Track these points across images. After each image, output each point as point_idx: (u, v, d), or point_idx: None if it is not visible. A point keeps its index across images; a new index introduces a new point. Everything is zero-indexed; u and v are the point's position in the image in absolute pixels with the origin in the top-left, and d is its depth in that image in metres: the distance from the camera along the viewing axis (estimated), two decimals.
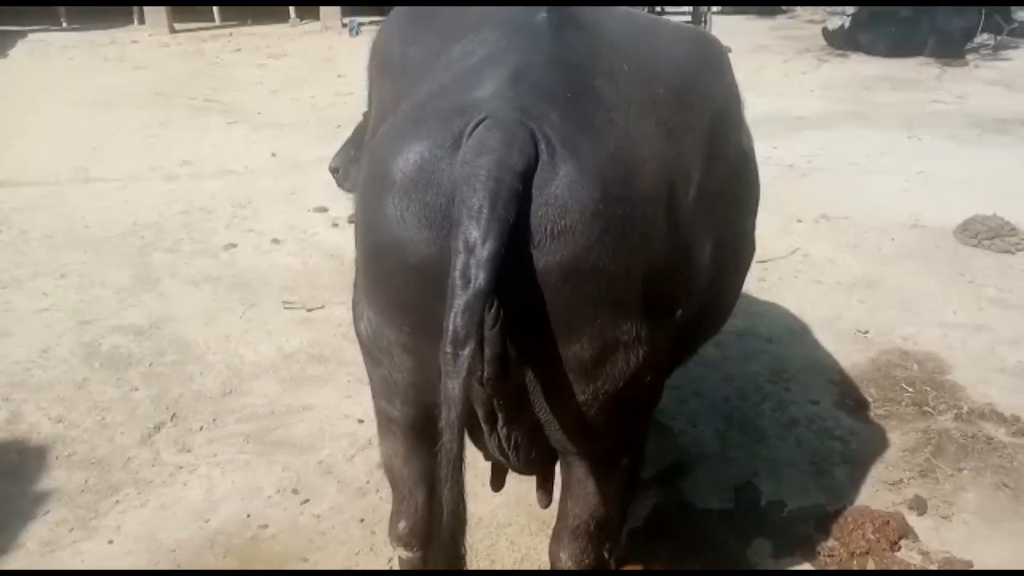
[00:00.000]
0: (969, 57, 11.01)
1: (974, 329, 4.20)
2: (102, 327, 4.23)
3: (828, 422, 3.48)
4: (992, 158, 6.86)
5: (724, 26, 13.21)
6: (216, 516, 2.97)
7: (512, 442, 1.82)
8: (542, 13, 1.68)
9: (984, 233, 5.11)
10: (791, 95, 9.27)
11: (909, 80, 9.97)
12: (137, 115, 8.36)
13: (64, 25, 12.93)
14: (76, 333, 4.17)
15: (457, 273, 1.41)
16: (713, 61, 1.92)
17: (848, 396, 3.65)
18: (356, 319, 1.85)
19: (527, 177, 1.45)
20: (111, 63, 10.90)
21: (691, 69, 1.80)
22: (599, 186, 1.48)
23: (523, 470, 2.13)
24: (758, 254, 4.88)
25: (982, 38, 11.40)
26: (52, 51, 11.55)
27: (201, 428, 3.46)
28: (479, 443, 1.95)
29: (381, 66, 2.03)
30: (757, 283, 4.69)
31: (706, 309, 1.93)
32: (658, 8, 12.92)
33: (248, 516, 2.97)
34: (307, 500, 3.04)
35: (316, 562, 2.76)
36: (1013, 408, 3.52)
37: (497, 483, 2.54)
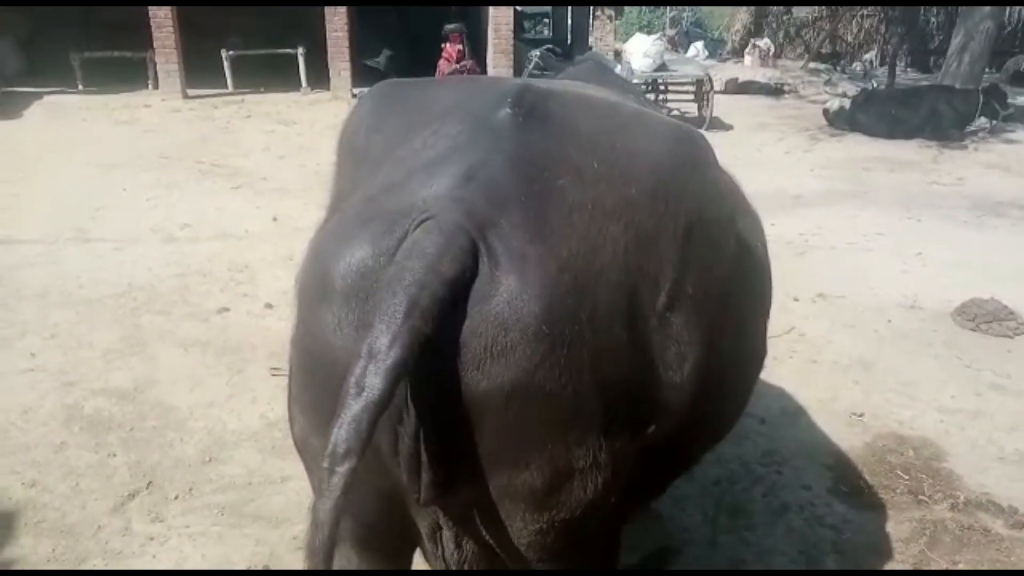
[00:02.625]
0: (967, 140, 11.14)
1: (972, 415, 4.12)
2: (86, 389, 4.17)
3: (820, 509, 3.38)
4: (990, 241, 6.87)
5: (726, 105, 13.47)
6: None
7: (464, 562, 1.71)
8: (505, 108, 1.61)
9: (982, 317, 5.07)
10: (790, 173, 9.35)
11: (908, 161, 10.06)
12: (142, 177, 8.45)
13: (80, 88, 13.16)
14: (59, 394, 4.11)
15: (352, 379, 1.31)
16: (696, 159, 1.77)
17: (842, 482, 3.55)
18: (290, 420, 1.75)
19: (458, 287, 1.37)
20: (122, 126, 11.08)
21: (669, 168, 1.67)
22: (543, 302, 1.39)
23: None
24: None
25: (979, 122, 11.57)
26: (66, 112, 11.75)
27: (176, 497, 3.37)
28: (427, 558, 1.84)
29: (345, 151, 1.96)
30: None
31: (699, 420, 1.77)
32: (662, 87, 13.14)
33: None
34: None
35: None
36: (1011, 499, 3.42)
37: None
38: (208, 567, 2.98)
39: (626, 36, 17.87)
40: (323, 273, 1.51)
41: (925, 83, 14.41)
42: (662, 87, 13.31)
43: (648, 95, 12.67)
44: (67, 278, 5.70)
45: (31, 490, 3.38)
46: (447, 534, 1.67)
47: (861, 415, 4.10)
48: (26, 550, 3.05)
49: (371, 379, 1.29)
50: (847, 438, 3.90)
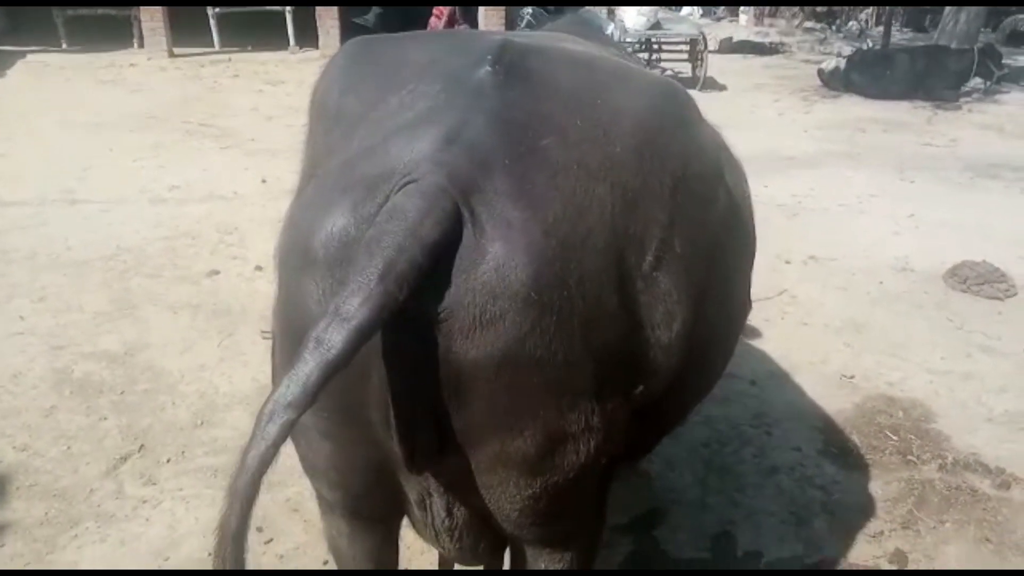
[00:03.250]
0: (961, 101, 11.06)
1: (961, 376, 4.14)
2: (75, 353, 4.15)
3: (810, 470, 3.41)
4: (983, 203, 6.85)
5: (720, 65, 13.32)
6: (176, 554, 2.88)
7: (454, 529, 1.71)
8: (485, 66, 1.55)
9: (973, 279, 5.07)
10: (784, 134, 9.28)
11: (902, 122, 10.00)
12: (129, 138, 8.34)
13: (64, 46, 12.91)
14: (49, 358, 4.09)
15: (312, 334, 1.27)
16: (681, 114, 1.74)
17: (831, 443, 3.58)
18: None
19: (439, 252, 1.34)
20: (108, 85, 10.90)
21: (654, 124, 1.64)
22: (531, 269, 1.36)
23: (466, 561, 2.00)
24: None
25: (974, 82, 11.48)
26: (49, 72, 11.55)
27: (168, 460, 3.38)
28: (416, 527, 1.83)
29: (317, 113, 1.90)
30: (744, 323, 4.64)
31: (687, 377, 1.77)
32: (655, 46, 12.99)
33: (209, 555, 2.86)
34: (271, 539, 2.96)
35: None
36: (998, 459, 3.46)
37: (446, 563, 2.40)
38: (201, 530, 2.99)
39: None
40: (304, 243, 1.48)
41: (920, 43, 14.28)
42: (656, 46, 13.15)
43: (642, 54, 12.53)
44: (55, 240, 5.64)
45: (22, 454, 3.37)
46: (437, 501, 1.66)
47: (851, 377, 4.12)
48: (19, 514, 3.06)
49: (332, 336, 1.26)
50: (837, 400, 3.92)
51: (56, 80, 11.10)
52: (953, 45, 12.33)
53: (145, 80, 11.22)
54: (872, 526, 3.08)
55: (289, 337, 1.55)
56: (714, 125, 2.02)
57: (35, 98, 10.01)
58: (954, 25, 13.11)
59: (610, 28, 11.86)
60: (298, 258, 1.49)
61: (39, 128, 8.60)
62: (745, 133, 9.39)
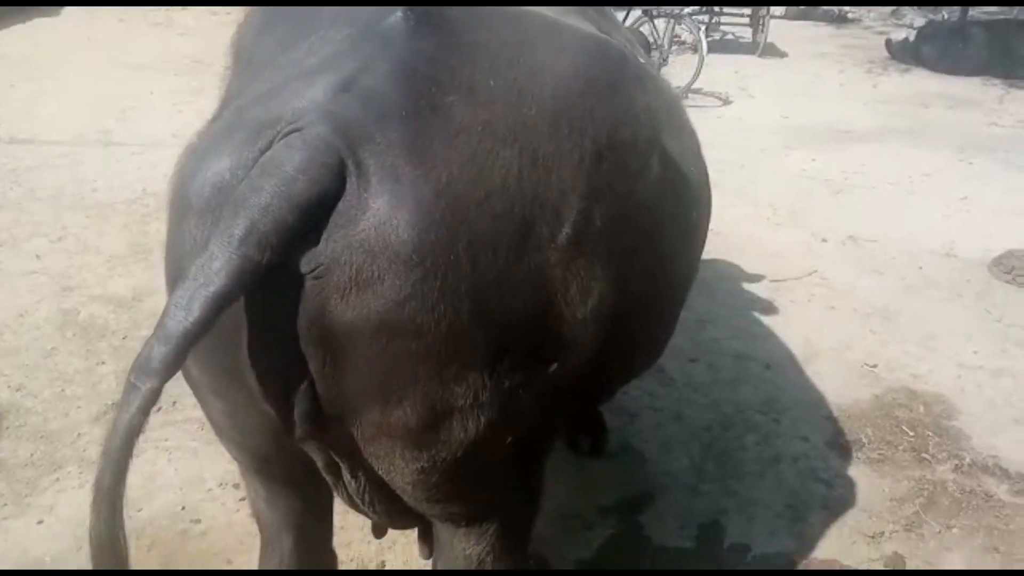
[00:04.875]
0: None
1: (993, 373, 3.90)
2: (84, 295, 4.16)
3: (815, 462, 3.24)
4: None
5: (784, 32, 12.83)
6: (150, 505, 2.86)
7: (364, 496, 1.63)
8: (397, 12, 1.43)
9: (1020, 269, 4.77)
10: (843, 107, 8.90)
11: (970, 99, 9.49)
12: (171, 81, 8.35)
13: None
14: (57, 299, 4.11)
15: (172, 300, 1.22)
16: (612, 79, 1.60)
17: (841, 435, 3.40)
18: None
19: (313, 210, 1.25)
20: (158, 28, 10.95)
21: (576, 88, 1.51)
22: (416, 229, 1.26)
23: (389, 524, 1.94)
24: (773, 272, 4.73)
25: None
26: (104, 11, 11.63)
27: (159, 409, 3.33)
28: (336, 492, 1.76)
29: (234, 54, 1.81)
30: (767, 303, 4.45)
31: (612, 356, 1.64)
32: (716, 9, 12.53)
33: (183, 508, 2.86)
34: (246, 497, 2.91)
35: (241, 564, 2.63)
36: (1020, 464, 3.24)
37: (378, 530, 2.33)
38: (180, 482, 2.97)
39: None
40: (183, 186, 1.41)
41: (1001, 17, 13.53)
42: (716, 9, 12.70)
43: (701, 17, 12.11)
44: (83, 181, 5.67)
45: (16, 394, 3.39)
46: (343, 466, 1.58)
47: (874, 366, 3.91)
48: (4, 453, 3.07)
49: (191, 301, 1.20)
50: (856, 389, 3.73)
51: (109, 20, 11.16)
52: None
53: (195, 24, 11.23)
54: (872, 526, 2.91)
55: (169, 288, 1.47)
56: (672, 90, 1.86)
57: (84, 37, 10.09)
58: None
59: None
60: (178, 202, 1.42)
61: (85, 68, 8.66)
62: (801, 103, 9.09)
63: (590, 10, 2.17)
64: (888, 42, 11.73)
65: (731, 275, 4.71)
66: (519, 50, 1.50)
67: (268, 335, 1.35)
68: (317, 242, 1.27)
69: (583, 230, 1.45)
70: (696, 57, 9.03)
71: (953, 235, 5.40)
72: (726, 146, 6.84)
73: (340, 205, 1.27)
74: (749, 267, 4.80)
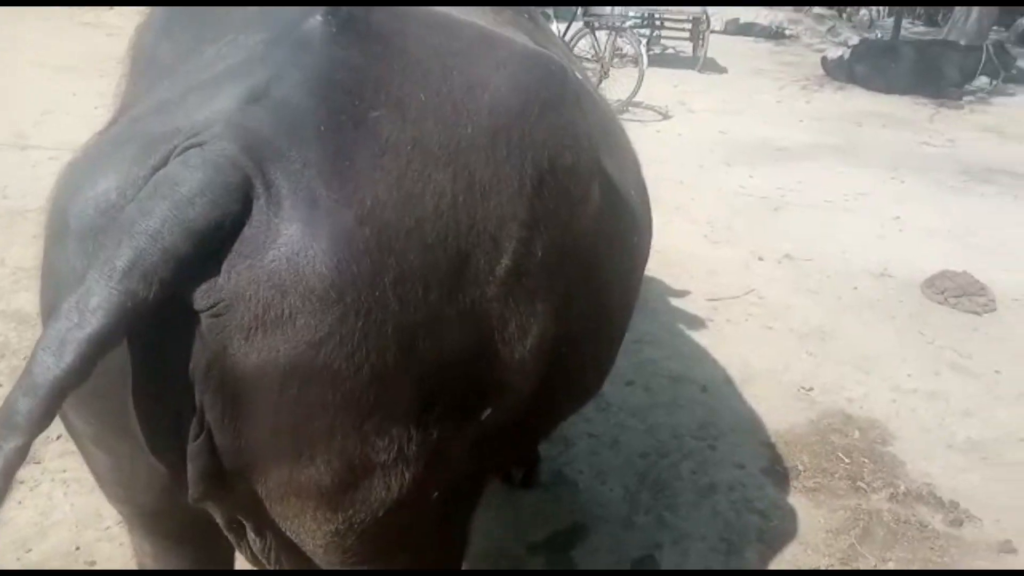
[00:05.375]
0: (965, 100, 10.72)
1: (927, 396, 3.89)
2: None
3: (750, 491, 3.16)
4: (974, 208, 6.56)
5: (723, 47, 12.96)
6: (41, 546, 2.63)
7: (271, 555, 1.45)
8: (316, 16, 1.27)
9: (951, 290, 4.81)
10: (779, 124, 8.97)
11: (901, 119, 9.67)
12: (96, 83, 7.94)
13: None
14: None
15: (41, 342, 1.04)
16: (552, 95, 1.44)
17: (777, 462, 3.33)
18: None
19: (211, 238, 1.09)
20: (85, 27, 10.53)
21: (516, 104, 1.36)
22: (334, 260, 1.10)
23: None
24: (710, 291, 4.68)
25: (980, 81, 11.13)
26: (29, 11, 11.15)
27: (59, 437, 3.11)
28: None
29: (132, 58, 1.62)
30: (703, 323, 4.39)
31: (552, 391, 1.51)
32: (657, 22, 12.61)
33: (77, 549, 2.64)
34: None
35: None
36: (954, 491, 3.21)
37: None
38: (76, 519, 2.75)
39: None
40: (62, 205, 1.22)
41: (929, 37, 13.90)
42: (658, 23, 12.78)
43: (643, 30, 12.17)
44: None
45: None
46: (248, 525, 1.40)
47: (810, 389, 3.87)
48: None
49: (65, 343, 1.02)
50: (792, 413, 3.67)
51: (33, 18, 10.70)
52: (963, 42, 11.96)
53: (124, 25, 10.77)
54: (809, 560, 2.84)
55: (44, 318, 1.29)
56: (611, 108, 1.75)
57: (6, 35, 9.64)
58: (965, 21, 12.74)
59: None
60: (56, 223, 1.24)
61: (4, 68, 8.25)
62: (740, 119, 9.14)
63: (523, 19, 2.04)
64: (824, 60, 11.93)
65: (669, 293, 4.64)
66: (453, 61, 1.35)
67: (158, 380, 1.17)
68: (217, 274, 1.10)
69: (523, 261, 1.31)
70: (636, 70, 9.03)
71: (887, 255, 5.42)
72: (665, 161, 6.82)
73: (245, 232, 1.10)
74: (687, 285, 4.74)
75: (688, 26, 12.46)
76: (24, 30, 10.09)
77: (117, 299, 1.03)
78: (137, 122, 1.26)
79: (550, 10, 10.31)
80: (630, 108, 8.88)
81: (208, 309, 1.10)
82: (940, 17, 17.94)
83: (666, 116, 8.96)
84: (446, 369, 1.23)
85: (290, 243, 1.09)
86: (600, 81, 8.95)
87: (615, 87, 8.97)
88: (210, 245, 1.08)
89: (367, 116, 1.20)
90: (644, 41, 10.76)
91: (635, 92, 8.87)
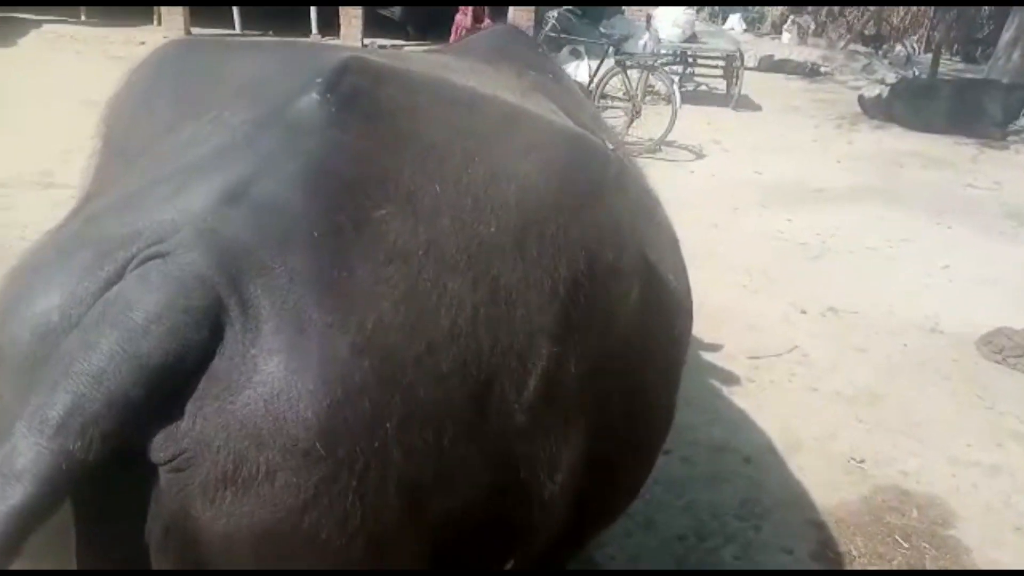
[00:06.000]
0: (1009, 140, 10.40)
1: (989, 470, 3.59)
2: None
3: None
4: None
5: (758, 83, 12.77)
6: None
7: None
8: (312, 93, 1.07)
9: (1011, 349, 4.50)
10: (816, 164, 8.73)
11: (944, 159, 9.38)
12: None
13: (83, 18, 12.70)
14: None
15: None
16: (592, 183, 1.25)
17: (829, 546, 3.05)
18: None
19: (171, 377, 0.89)
20: (117, 62, 10.53)
21: (551, 196, 1.16)
22: (324, 403, 0.90)
23: None
24: (750, 347, 4.42)
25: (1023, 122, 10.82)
26: (62, 44, 11.28)
27: None
28: None
29: (104, 133, 1.43)
30: (745, 383, 4.13)
31: (585, 516, 1.31)
32: (689, 59, 12.44)
33: None
34: None
35: None
36: None
37: None
38: None
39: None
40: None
41: (970, 75, 13.61)
42: (690, 60, 12.61)
43: (675, 67, 12.00)
44: (12, 226, 5.23)
45: None
46: None
47: (861, 461, 3.58)
48: None
49: None
50: (843, 488, 3.39)
51: (67, 53, 10.81)
52: (1005, 80, 11.66)
53: None
54: None
55: None
56: (641, 173, 1.54)
57: (39, 70, 9.71)
58: (1007, 60, 12.44)
59: (644, 38, 11.39)
60: None
61: (34, 103, 8.25)
62: (775, 159, 8.90)
63: (547, 80, 1.83)
64: (861, 98, 11.68)
65: (706, 349, 4.39)
66: (474, 145, 1.15)
67: (107, 544, 0.97)
68: (180, 418, 0.90)
69: (555, 381, 1.10)
70: (669, 108, 8.84)
71: (937, 308, 5.13)
72: (698, 203, 6.59)
73: (215, 365, 0.91)
74: (725, 340, 4.48)
75: (721, 63, 12.28)
76: (56, 63, 10.17)
77: (49, 460, 0.84)
78: (93, 221, 1.07)
79: (581, 47, 10.21)
80: (663, 147, 8.68)
81: (167, 462, 0.90)
82: (978, 54, 17.65)
83: (699, 155, 8.75)
84: (461, 523, 1.02)
85: (269, 381, 0.90)
86: (632, 120, 8.79)
87: (647, 125, 8.80)
88: (169, 385, 0.89)
89: (371, 215, 1.01)
90: (677, 78, 10.58)
91: (668, 131, 8.67)
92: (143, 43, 11.58)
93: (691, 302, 1.87)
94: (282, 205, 0.98)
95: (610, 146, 1.52)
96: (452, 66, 1.55)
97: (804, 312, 4.99)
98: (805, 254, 6.01)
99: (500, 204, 1.10)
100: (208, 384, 0.90)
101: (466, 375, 1.00)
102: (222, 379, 0.90)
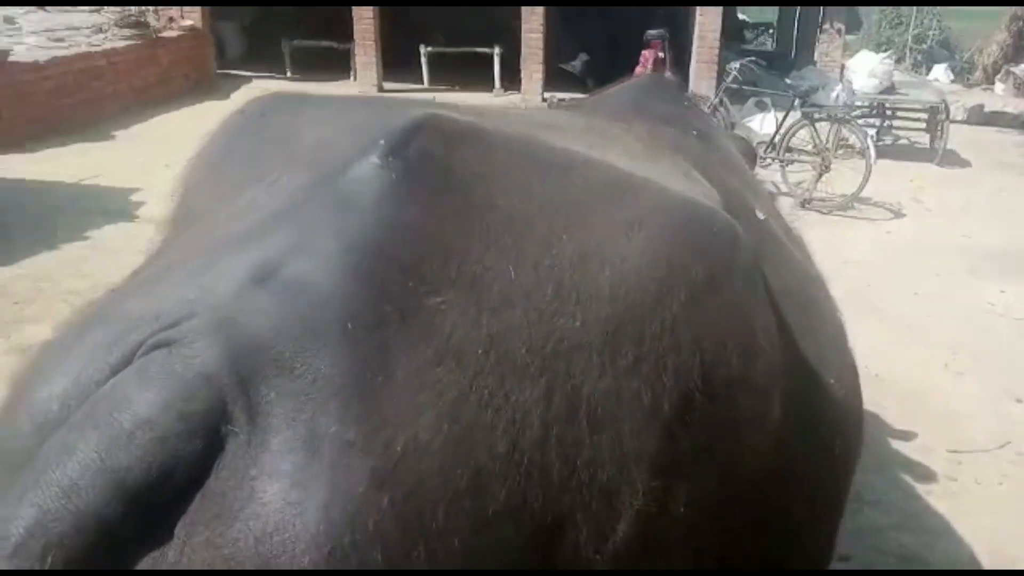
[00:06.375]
0: None
1: None
2: None
3: None
4: None
5: (966, 137, 11.73)
6: None
7: None
8: (372, 156, 0.90)
9: None
10: None
11: None
12: None
13: (288, 74, 13.76)
14: None
15: None
16: (714, 269, 0.99)
17: None
18: None
19: (156, 497, 0.74)
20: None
21: (655, 285, 0.92)
22: (326, 548, 0.72)
23: None
24: (952, 439, 3.86)
25: None
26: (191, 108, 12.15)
27: None
28: None
29: (177, 194, 1.34)
30: (944, 482, 3.59)
31: None
32: (888, 112, 11.62)
33: None
34: None
35: None
36: None
37: None
38: None
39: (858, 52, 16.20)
40: (18, 401, 0.90)
41: None
42: (888, 112, 11.77)
43: (872, 120, 11.24)
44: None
45: None
46: None
47: None
48: None
49: None
50: None
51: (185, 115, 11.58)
52: None
53: None
54: None
55: None
56: (799, 249, 1.23)
57: (158, 131, 10.46)
58: None
59: (836, 90, 10.76)
60: (10, 417, 0.91)
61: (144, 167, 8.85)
62: (986, 221, 8.03)
63: (689, 139, 1.57)
64: None
65: (898, 438, 3.87)
66: (563, 220, 0.95)
67: None
68: (168, 542, 0.75)
69: (653, 528, 0.86)
70: (863, 162, 8.22)
71: None
72: (895, 267, 6.02)
73: (210, 485, 0.76)
74: (922, 429, 3.94)
75: (924, 115, 11.38)
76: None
77: (32, 549, 0.72)
78: (122, 295, 0.96)
79: (767, 99, 9.76)
80: (856, 204, 8.07)
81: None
82: None
83: (898, 214, 8.06)
84: None
85: (264, 515, 0.74)
86: (820, 175, 8.25)
87: (840, 181, 8.22)
88: (152, 504, 0.74)
89: (423, 303, 0.83)
90: (873, 132, 9.88)
91: (862, 187, 8.05)
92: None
93: (861, 413, 1.52)
94: (314, 289, 0.83)
95: (760, 215, 1.24)
96: (561, 124, 1.34)
97: (1020, 401, 4.33)
98: (1020, 332, 5.28)
99: (589, 293, 0.88)
100: (202, 505, 0.75)
101: (525, 518, 0.78)
102: (216, 502, 0.75)
